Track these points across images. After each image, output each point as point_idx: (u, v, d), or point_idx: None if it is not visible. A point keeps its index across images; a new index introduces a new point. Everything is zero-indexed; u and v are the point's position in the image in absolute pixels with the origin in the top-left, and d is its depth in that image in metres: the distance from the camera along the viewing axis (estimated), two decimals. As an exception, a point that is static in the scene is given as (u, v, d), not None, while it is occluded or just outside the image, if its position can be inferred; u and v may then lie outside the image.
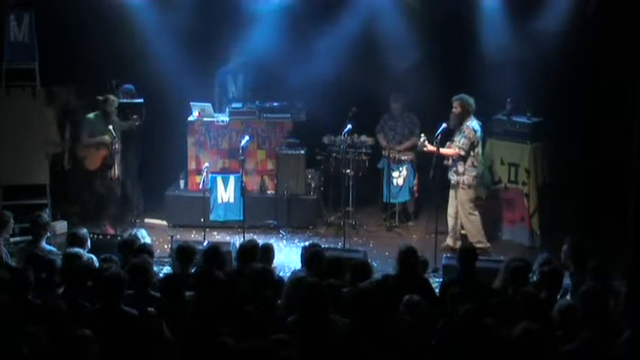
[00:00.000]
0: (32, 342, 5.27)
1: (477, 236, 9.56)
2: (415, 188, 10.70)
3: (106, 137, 9.86)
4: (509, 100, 10.08)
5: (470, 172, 9.48)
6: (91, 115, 10.08)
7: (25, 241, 8.02)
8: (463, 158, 9.42)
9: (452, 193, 9.64)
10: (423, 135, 9.72)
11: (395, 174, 10.56)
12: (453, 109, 9.47)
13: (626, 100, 9.19)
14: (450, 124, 9.43)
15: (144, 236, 7.78)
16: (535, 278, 6.78)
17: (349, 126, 9.97)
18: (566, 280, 6.84)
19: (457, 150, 9.40)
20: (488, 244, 9.55)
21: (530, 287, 6.63)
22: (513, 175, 10.02)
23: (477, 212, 9.63)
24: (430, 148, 9.40)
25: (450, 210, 9.68)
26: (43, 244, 7.73)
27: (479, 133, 9.44)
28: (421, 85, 10.37)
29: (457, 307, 5.66)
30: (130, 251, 7.17)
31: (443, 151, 9.41)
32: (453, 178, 9.57)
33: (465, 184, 9.49)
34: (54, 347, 5.28)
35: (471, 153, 9.44)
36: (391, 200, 10.60)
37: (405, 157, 10.60)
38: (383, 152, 10.69)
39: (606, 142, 10.01)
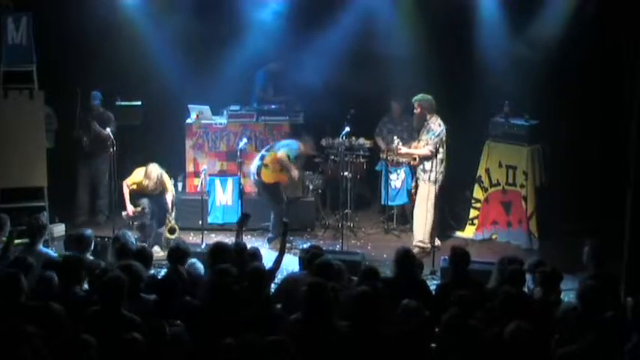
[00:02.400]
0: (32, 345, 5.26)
1: (423, 234, 9.60)
2: (413, 191, 10.61)
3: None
4: (506, 102, 10.07)
5: (437, 169, 9.54)
6: None
7: (22, 244, 7.97)
8: (432, 155, 9.50)
9: (417, 190, 9.70)
10: (396, 138, 9.76)
11: (393, 176, 10.55)
12: (414, 110, 9.64)
13: (624, 101, 9.19)
14: (414, 125, 9.70)
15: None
16: (530, 280, 6.79)
17: (347, 128, 9.97)
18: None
19: (428, 149, 9.50)
20: (429, 246, 9.52)
21: (526, 287, 6.65)
22: (511, 178, 10.03)
23: (434, 212, 9.63)
24: (403, 150, 9.67)
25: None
26: (40, 247, 7.65)
27: (444, 131, 9.53)
28: (421, 88, 10.35)
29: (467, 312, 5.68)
30: (127, 255, 7.08)
31: (416, 152, 9.58)
32: (420, 176, 9.67)
33: (431, 181, 9.54)
34: (51, 350, 5.24)
35: (440, 150, 9.52)
36: (389, 203, 10.59)
37: (403, 160, 10.55)
38: (381, 155, 10.67)
39: (605, 143, 10.00)
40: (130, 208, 9.77)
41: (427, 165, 9.53)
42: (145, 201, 9.78)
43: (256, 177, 9.99)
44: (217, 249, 7.00)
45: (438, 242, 9.66)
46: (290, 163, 9.92)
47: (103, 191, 10.63)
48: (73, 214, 10.59)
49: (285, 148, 9.99)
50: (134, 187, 9.76)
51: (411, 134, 10.60)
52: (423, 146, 9.58)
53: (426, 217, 9.57)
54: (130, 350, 5.21)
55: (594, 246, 7.11)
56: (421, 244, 9.49)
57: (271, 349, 5.10)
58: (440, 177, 9.58)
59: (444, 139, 9.49)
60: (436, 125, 9.51)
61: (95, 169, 10.64)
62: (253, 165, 10.05)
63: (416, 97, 9.61)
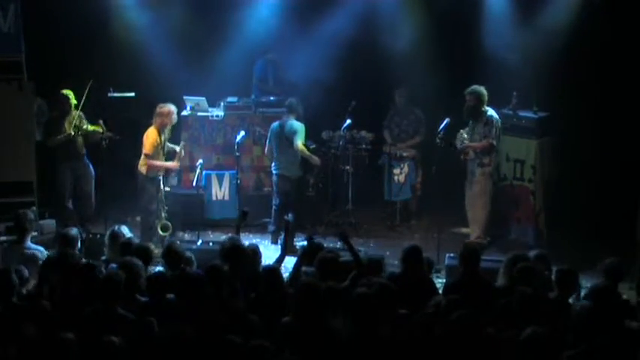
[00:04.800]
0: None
1: (480, 230, 9.56)
2: (417, 186, 10.60)
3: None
4: (515, 94, 9.92)
5: (494, 163, 9.59)
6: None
7: (10, 240, 7.80)
8: (492, 149, 9.45)
9: (473, 184, 9.58)
10: (463, 131, 9.61)
11: (396, 171, 10.46)
12: (467, 102, 9.50)
13: (634, 94, 9.09)
14: (464, 116, 9.52)
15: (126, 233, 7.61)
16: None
17: (348, 121, 9.88)
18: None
19: (489, 141, 9.44)
20: (486, 241, 9.50)
21: (538, 286, 6.37)
22: (519, 172, 9.91)
23: (491, 206, 9.68)
24: (468, 144, 9.55)
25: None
26: (29, 243, 7.56)
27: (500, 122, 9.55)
28: (425, 80, 10.32)
29: (453, 313, 5.52)
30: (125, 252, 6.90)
31: (476, 145, 9.48)
32: (477, 170, 9.57)
33: (488, 175, 9.56)
34: (37, 349, 5.23)
35: (498, 143, 9.58)
36: (392, 198, 10.50)
37: (407, 154, 10.53)
38: (384, 148, 10.55)
39: (615, 137, 9.86)
40: (173, 164, 9.63)
41: (485, 159, 9.52)
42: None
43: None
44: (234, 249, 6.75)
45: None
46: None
47: (89, 200, 10.08)
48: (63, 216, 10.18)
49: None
50: (159, 147, 9.44)
51: (417, 129, 10.60)
52: (479, 140, 9.49)
53: (486, 214, 9.58)
54: (107, 353, 5.18)
55: (612, 265, 6.75)
56: (479, 240, 9.40)
57: (251, 352, 5.07)
58: (494, 171, 9.66)
59: (500, 131, 9.51)
60: (494, 120, 9.47)
61: (80, 173, 10.07)
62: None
63: (468, 89, 9.49)
